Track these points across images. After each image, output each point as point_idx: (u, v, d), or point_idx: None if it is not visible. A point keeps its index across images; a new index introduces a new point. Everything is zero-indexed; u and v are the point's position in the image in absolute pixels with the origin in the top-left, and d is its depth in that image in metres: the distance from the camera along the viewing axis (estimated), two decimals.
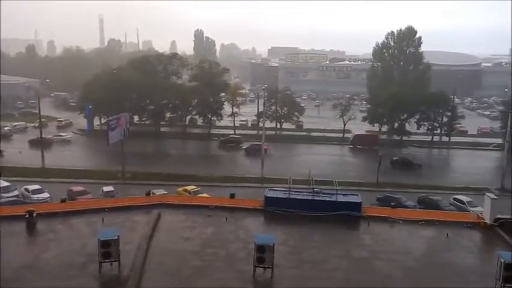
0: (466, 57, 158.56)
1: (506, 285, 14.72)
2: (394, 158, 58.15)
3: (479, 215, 23.45)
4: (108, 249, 17.16)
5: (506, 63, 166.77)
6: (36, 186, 41.76)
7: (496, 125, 76.64)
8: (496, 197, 22.85)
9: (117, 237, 17.43)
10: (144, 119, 76.72)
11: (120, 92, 69.47)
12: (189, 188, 41.94)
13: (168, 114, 77.94)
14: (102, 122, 76.13)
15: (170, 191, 40.38)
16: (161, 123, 77.39)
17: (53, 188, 42.30)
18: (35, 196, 39.86)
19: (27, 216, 22.04)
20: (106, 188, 41.88)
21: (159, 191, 39.20)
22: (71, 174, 48.86)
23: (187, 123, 79.72)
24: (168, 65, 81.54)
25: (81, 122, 76.94)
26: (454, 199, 41.76)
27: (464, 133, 78.78)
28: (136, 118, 76.17)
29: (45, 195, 40.46)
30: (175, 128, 78.04)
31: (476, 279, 17.47)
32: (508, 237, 20.23)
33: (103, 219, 22.93)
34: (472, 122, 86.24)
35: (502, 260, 14.82)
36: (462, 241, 21.43)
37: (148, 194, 39.06)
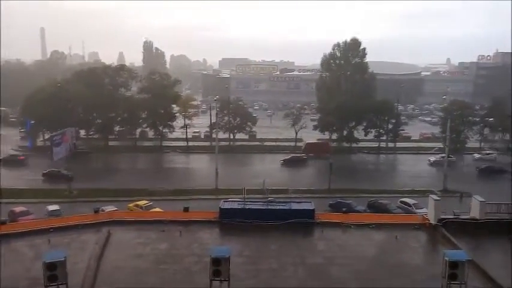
0: (407, 67, 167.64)
1: (452, 282, 15.46)
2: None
3: (424, 216, 24.57)
4: (54, 271, 16.12)
5: (443, 72, 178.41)
6: None
7: (437, 130, 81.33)
8: (439, 198, 24.04)
9: (64, 258, 16.43)
10: (91, 133, 73.85)
11: (64, 105, 66.57)
12: (140, 203, 40.76)
13: (117, 128, 75.58)
14: (45, 137, 72.29)
15: (121, 207, 39.01)
16: (110, 137, 74.88)
17: None
18: None
19: None
20: (51, 207, 39.76)
21: (109, 208, 37.74)
22: (12, 195, 45.84)
23: (137, 136, 77.74)
24: (115, 77, 79.22)
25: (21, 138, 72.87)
26: (401, 202, 43.70)
27: (408, 139, 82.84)
28: (83, 132, 73.18)
29: None
30: (125, 141, 75.75)
31: (424, 279, 18.23)
32: (452, 237, 21.33)
33: (49, 240, 21.64)
34: (414, 128, 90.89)
35: (447, 259, 15.56)
36: (410, 242, 22.32)
37: (96, 211, 37.41)
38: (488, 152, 70.71)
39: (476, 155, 69.21)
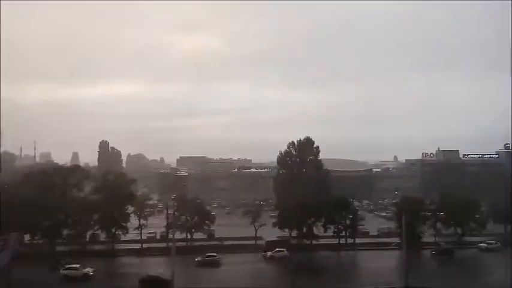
0: (359, 164, 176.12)
1: None
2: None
3: None
4: None
5: (392, 168, 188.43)
6: None
7: (392, 224, 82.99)
8: None
9: None
10: (36, 238, 68.65)
11: (9, 210, 62.19)
12: None
13: (66, 231, 70.98)
14: None
15: None
16: (58, 241, 69.80)
17: None
18: None
19: None
20: None
21: None
22: None
23: (87, 239, 73.10)
24: (67, 177, 76.58)
25: None
26: None
27: (366, 234, 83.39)
28: (27, 237, 67.94)
29: None
30: (74, 245, 70.64)
31: None
32: None
33: None
34: (371, 223, 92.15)
35: None
36: None
37: None
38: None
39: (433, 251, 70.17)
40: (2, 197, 65.25)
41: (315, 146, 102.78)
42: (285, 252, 65.38)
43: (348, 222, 76.20)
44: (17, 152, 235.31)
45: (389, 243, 72.55)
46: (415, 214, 72.29)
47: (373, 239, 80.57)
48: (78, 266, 55.41)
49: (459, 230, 76.66)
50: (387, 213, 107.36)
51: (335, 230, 75.45)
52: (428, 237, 75.85)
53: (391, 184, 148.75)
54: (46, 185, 72.41)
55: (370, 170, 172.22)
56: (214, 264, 61.24)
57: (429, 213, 77.24)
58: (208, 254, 63.14)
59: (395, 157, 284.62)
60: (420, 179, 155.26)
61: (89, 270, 55.02)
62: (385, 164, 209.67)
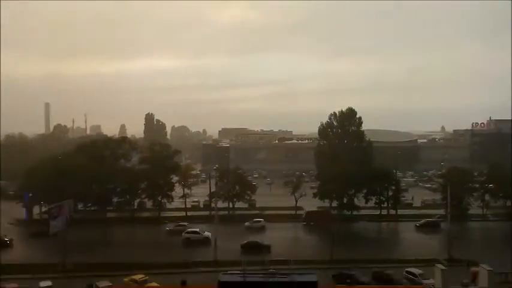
0: (403, 135, 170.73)
1: None
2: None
3: (431, 287, 23.64)
4: None
5: (439, 139, 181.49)
6: None
7: (438, 196, 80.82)
8: (445, 268, 23.31)
9: None
10: (89, 205, 73.20)
11: (63, 178, 66.48)
12: (136, 277, 39.26)
13: (115, 199, 75.07)
14: (42, 210, 71.51)
15: (116, 282, 37.54)
16: (108, 208, 74.10)
17: None
18: None
19: None
20: (43, 284, 38.31)
21: (104, 283, 36.43)
22: (4, 271, 44.24)
23: (135, 207, 76.98)
24: (116, 148, 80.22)
25: (18, 211, 72.17)
26: (407, 272, 42.11)
27: (409, 206, 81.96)
28: (81, 205, 72.61)
29: None
30: (123, 212, 74.79)
31: None
32: None
33: None
34: (415, 195, 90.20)
35: None
36: None
37: (90, 287, 36.20)
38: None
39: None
40: (56, 167, 69.76)
41: (357, 116, 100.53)
42: (326, 222, 65.82)
43: (390, 193, 75.14)
44: (69, 125, 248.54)
45: (433, 215, 71.00)
46: (462, 186, 70.09)
47: (417, 210, 79.12)
48: (198, 230, 59.13)
49: (509, 202, 73.61)
50: (432, 184, 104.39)
51: (376, 201, 74.76)
52: (475, 209, 73.51)
53: (437, 155, 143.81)
54: (97, 156, 76.41)
55: (415, 140, 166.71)
56: (261, 229, 64.78)
57: (477, 185, 74.53)
58: (255, 220, 67.67)
59: (442, 127, 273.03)
60: (469, 149, 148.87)
61: (209, 234, 57.19)
62: (431, 135, 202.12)
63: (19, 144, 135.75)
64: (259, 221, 67.50)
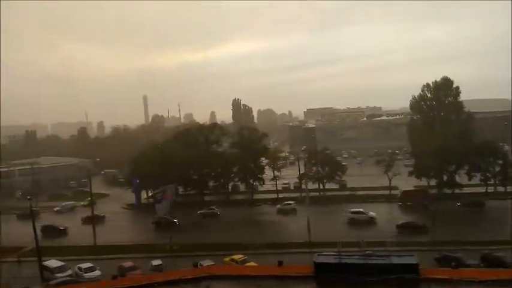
0: (504, 103, 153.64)
1: None
2: None
3: None
4: None
5: None
6: (89, 264, 42.70)
7: None
8: None
9: None
10: (188, 189, 78.49)
11: (165, 165, 72.11)
12: (236, 257, 41.31)
13: (211, 183, 79.30)
14: (149, 195, 78.54)
15: (217, 261, 39.93)
16: (205, 192, 78.62)
17: (104, 265, 43.08)
18: (87, 274, 40.66)
19: None
20: (154, 262, 42.11)
21: (206, 262, 38.89)
22: (121, 250, 49.65)
23: (230, 190, 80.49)
24: (208, 135, 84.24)
25: (129, 196, 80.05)
26: None
27: None
28: (181, 189, 78.10)
29: (97, 273, 41.17)
30: (218, 195, 78.84)
31: None
32: None
33: None
34: None
35: None
36: None
37: (195, 266, 39.00)
38: None
39: None
40: (157, 154, 75.79)
41: (454, 86, 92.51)
42: (424, 201, 62.51)
43: (497, 168, 68.49)
44: (165, 115, 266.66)
45: None
46: None
47: None
48: (362, 210, 58.43)
49: None
50: None
51: (482, 177, 68.69)
52: None
53: None
54: (191, 143, 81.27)
55: None
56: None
57: None
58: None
59: None
60: None
61: (373, 214, 58.16)
62: None
63: (124, 136, 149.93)
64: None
